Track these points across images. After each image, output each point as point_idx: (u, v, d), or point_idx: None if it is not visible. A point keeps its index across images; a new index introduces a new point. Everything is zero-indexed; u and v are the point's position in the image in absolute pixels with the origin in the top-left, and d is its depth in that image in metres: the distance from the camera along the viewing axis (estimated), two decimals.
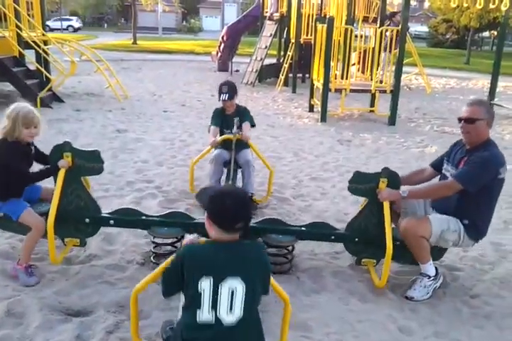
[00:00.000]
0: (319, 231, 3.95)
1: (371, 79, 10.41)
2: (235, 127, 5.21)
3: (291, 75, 14.54)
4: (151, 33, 44.86)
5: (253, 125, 5.62)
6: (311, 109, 11.33)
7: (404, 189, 3.68)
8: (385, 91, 10.16)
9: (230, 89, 5.37)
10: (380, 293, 3.75)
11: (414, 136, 9.25)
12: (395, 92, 10.09)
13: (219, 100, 5.42)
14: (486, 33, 42.33)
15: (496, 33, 33.10)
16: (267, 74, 16.39)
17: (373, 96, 11.06)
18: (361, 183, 3.80)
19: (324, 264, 4.16)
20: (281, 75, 14.86)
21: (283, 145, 8.13)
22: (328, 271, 4.04)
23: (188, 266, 2.28)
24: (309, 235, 3.96)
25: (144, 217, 3.95)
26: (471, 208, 3.56)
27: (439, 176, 3.93)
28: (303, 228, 3.94)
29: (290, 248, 4.03)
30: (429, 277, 3.69)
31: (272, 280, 2.52)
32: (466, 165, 3.51)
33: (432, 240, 3.61)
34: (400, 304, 3.66)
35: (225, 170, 5.52)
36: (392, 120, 10.20)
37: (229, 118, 5.40)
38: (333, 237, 3.92)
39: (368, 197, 3.83)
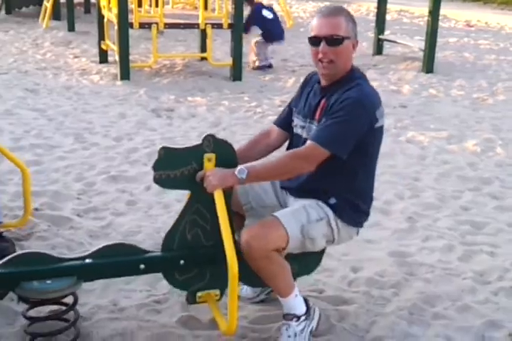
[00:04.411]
0: (117, 261, 2.80)
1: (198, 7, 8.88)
2: None
3: (64, 1, 11.69)
4: None
5: None
6: (104, 58, 9.16)
7: (242, 167, 2.67)
8: (221, 26, 8.40)
9: None
10: None
11: (272, 96, 7.77)
12: (237, 27, 8.35)
13: None
14: None
15: None
16: (20, 1, 13.24)
17: (204, 35, 9.01)
18: (174, 167, 2.78)
19: (136, 325, 2.99)
20: (46, 2, 11.84)
21: (55, 124, 6.50)
22: (143, 336, 2.95)
23: None
24: (100, 270, 2.84)
25: None
26: (338, 177, 2.73)
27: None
28: (87, 260, 2.84)
29: (70, 300, 2.81)
30: (298, 318, 2.86)
31: None
32: (327, 117, 2.63)
33: (294, 246, 2.76)
34: None
35: None
36: (236, 72, 8.46)
37: None
38: (142, 266, 2.82)
39: (189, 189, 2.84)
